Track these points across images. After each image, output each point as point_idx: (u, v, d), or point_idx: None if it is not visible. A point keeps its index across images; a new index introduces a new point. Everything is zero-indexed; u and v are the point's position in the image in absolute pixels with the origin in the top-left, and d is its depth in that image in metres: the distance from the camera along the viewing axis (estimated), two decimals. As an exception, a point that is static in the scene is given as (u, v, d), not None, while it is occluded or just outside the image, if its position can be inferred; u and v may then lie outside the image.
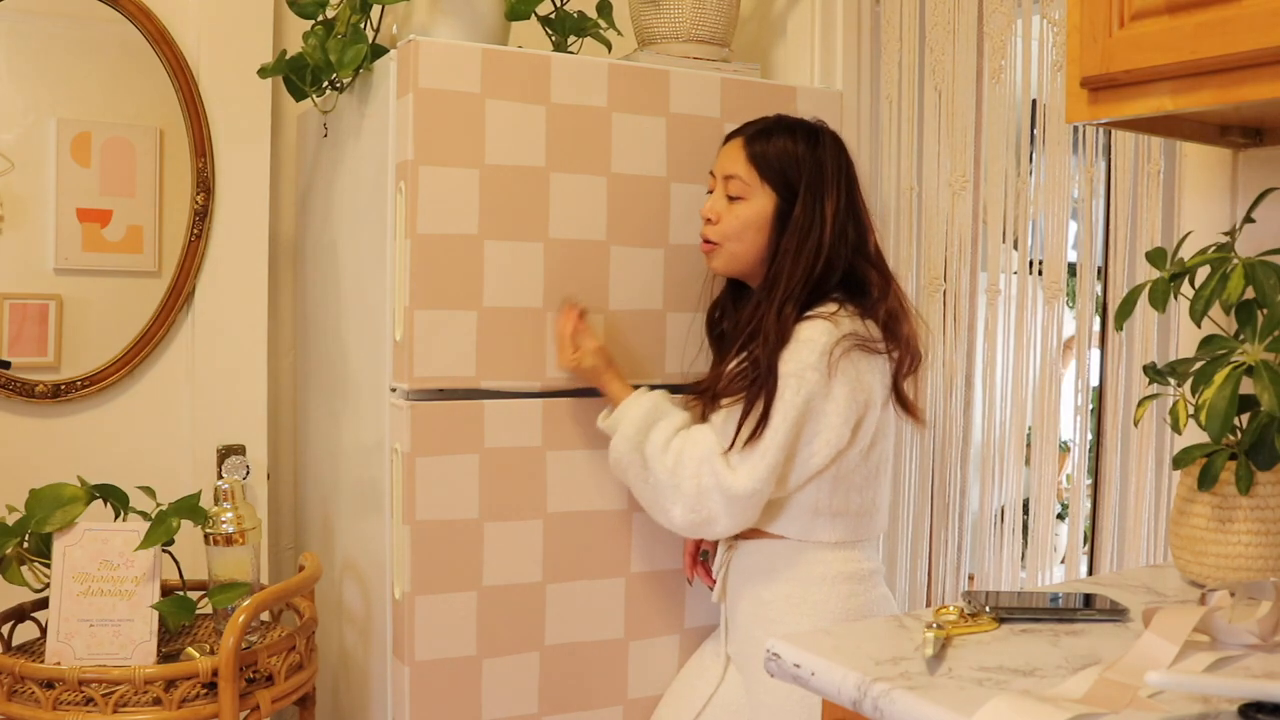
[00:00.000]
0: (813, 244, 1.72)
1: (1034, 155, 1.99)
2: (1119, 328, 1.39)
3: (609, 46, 2.17)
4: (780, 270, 1.73)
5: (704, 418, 1.79)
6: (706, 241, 1.81)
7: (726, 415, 1.72)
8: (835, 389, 1.65)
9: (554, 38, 2.16)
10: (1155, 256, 1.35)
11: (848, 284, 1.74)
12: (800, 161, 1.75)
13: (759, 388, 1.68)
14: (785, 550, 1.75)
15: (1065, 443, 2.04)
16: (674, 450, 1.73)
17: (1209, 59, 1.14)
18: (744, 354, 1.74)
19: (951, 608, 1.16)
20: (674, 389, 2.00)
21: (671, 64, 2.08)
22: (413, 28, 1.94)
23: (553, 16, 2.15)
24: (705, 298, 1.98)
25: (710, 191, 1.84)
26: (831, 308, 1.70)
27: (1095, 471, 1.91)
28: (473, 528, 1.86)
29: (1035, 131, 1.98)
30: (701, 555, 1.99)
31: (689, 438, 1.74)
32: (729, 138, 1.83)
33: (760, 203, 1.75)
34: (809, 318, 1.69)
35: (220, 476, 2.23)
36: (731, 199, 1.78)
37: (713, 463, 1.68)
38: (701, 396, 1.81)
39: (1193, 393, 1.24)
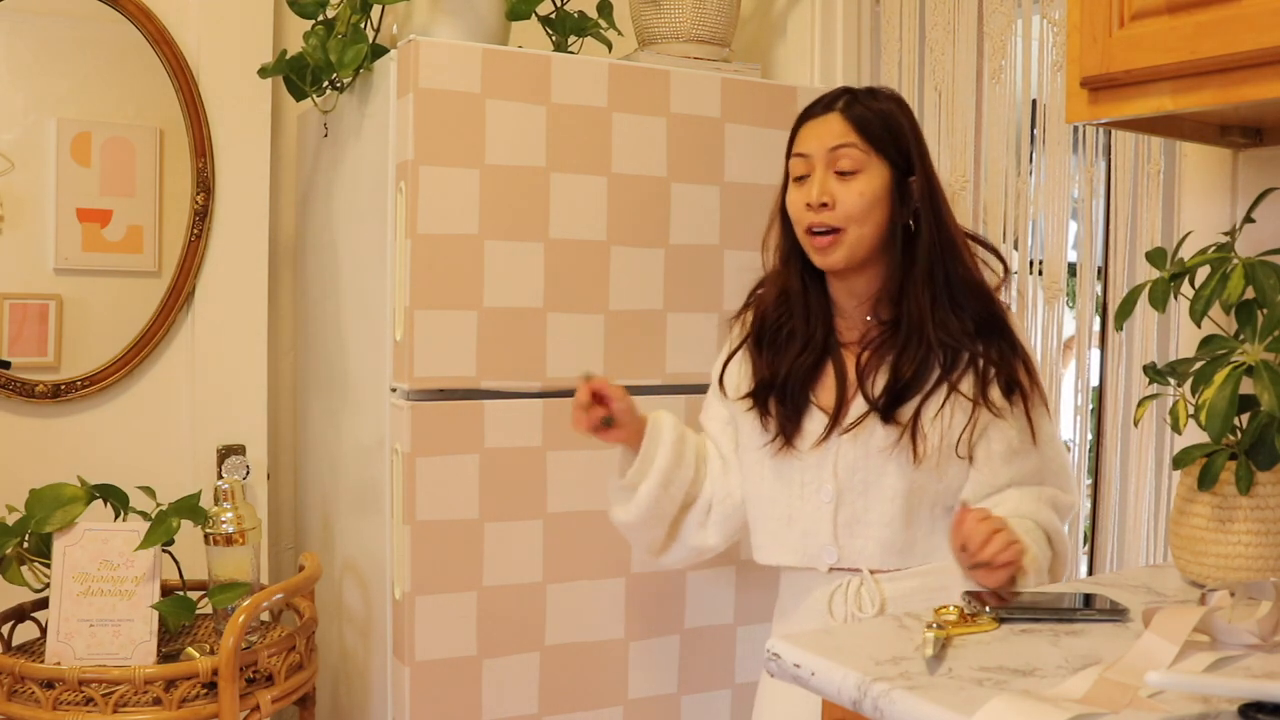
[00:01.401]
0: (943, 210, 1.52)
1: (1034, 155, 1.99)
2: (1119, 328, 1.39)
3: (609, 46, 2.17)
4: (920, 251, 1.50)
5: (910, 436, 1.48)
6: (823, 233, 1.50)
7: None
8: None
9: (554, 38, 2.16)
10: (1155, 256, 1.35)
11: None
12: (901, 124, 1.53)
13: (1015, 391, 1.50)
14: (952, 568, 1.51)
15: (1065, 443, 2.04)
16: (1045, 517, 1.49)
17: (1209, 59, 1.14)
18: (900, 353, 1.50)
19: (951, 608, 1.16)
20: (681, 389, 2.00)
21: (671, 64, 2.08)
22: (413, 28, 1.94)
23: (553, 16, 2.15)
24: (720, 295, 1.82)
25: (801, 178, 1.54)
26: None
27: (1095, 471, 1.91)
28: (473, 528, 1.86)
29: (1035, 131, 1.98)
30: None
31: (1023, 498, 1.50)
32: (812, 115, 1.56)
33: (877, 173, 1.50)
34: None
35: (220, 476, 2.23)
36: (843, 175, 1.50)
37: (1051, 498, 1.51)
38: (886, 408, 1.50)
39: (1193, 393, 1.24)
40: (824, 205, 1.49)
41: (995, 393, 1.48)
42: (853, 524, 1.52)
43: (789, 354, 1.56)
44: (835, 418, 1.52)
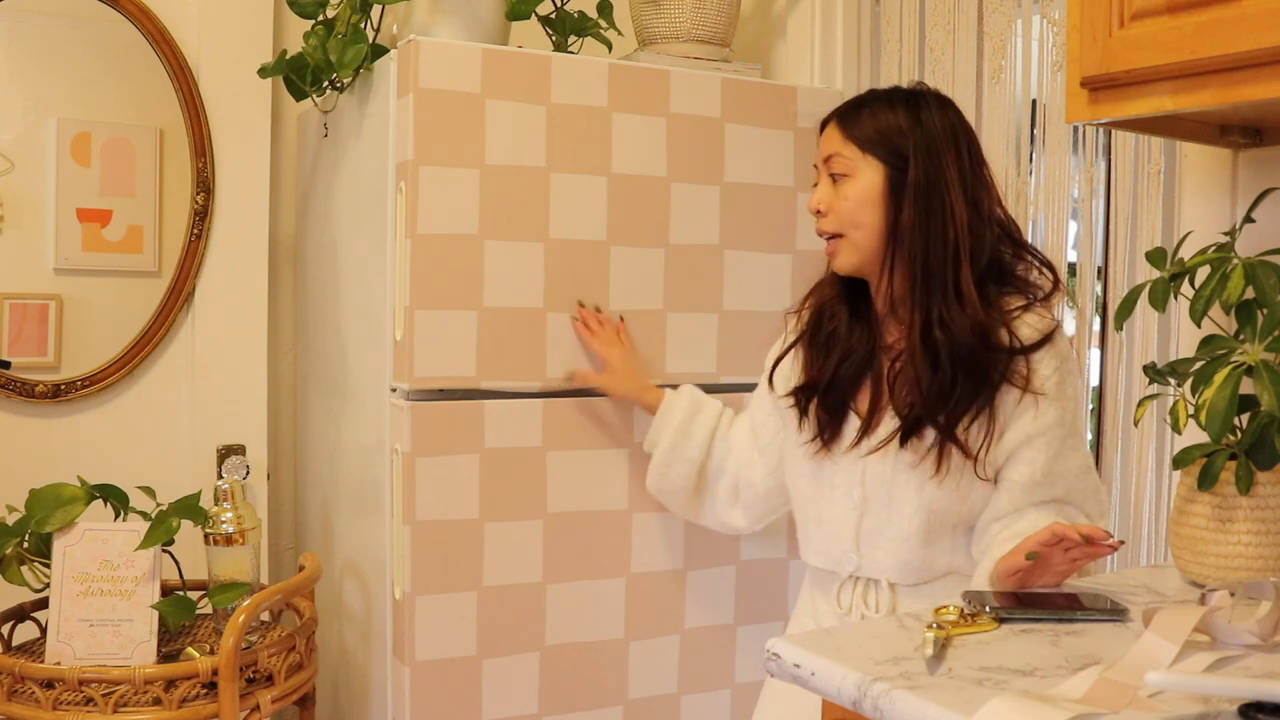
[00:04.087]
0: (943, 210, 1.47)
1: (1034, 155, 1.99)
2: (1119, 328, 1.39)
3: (609, 46, 2.17)
4: (912, 249, 1.47)
5: (939, 446, 1.46)
6: (829, 239, 1.56)
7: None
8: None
9: (554, 38, 2.16)
10: (1155, 256, 1.35)
11: (997, 270, 1.51)
12: (902, 125, 1.51)
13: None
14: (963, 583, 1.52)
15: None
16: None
17: (1209, 59, 1.14)
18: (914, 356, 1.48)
19: (951, 608, 1.16)
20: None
21: (671, 64, 2.08)
22: (413, 28, 1.94)
23: (553, 16, 2.15)
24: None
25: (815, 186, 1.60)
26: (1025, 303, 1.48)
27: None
28: (473, 528, 1.86)
29: (1035, 131, 1.98)
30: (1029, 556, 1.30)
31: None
32: (825, 123, 1.59)
33: (867, 175, 1.51)
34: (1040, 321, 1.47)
35: (220, 476, 2.23)
36: (836, 181, 1.54)
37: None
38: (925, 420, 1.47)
39: (1193, 393, 1.24)
40: (819, 213, 1.55)
41: (1016, 411, 1.44)
42: (874, 535, 1.52)
43: (832, 360, 1.58)
44: (866, 428, 1.52)
